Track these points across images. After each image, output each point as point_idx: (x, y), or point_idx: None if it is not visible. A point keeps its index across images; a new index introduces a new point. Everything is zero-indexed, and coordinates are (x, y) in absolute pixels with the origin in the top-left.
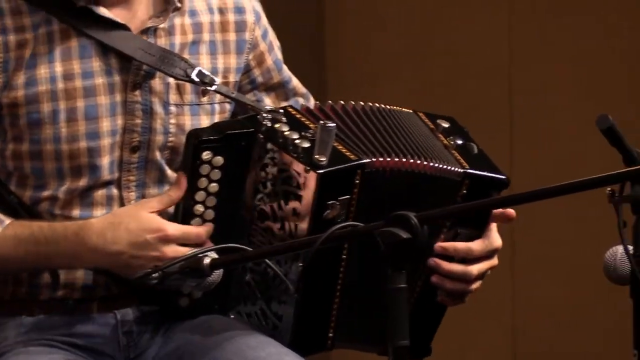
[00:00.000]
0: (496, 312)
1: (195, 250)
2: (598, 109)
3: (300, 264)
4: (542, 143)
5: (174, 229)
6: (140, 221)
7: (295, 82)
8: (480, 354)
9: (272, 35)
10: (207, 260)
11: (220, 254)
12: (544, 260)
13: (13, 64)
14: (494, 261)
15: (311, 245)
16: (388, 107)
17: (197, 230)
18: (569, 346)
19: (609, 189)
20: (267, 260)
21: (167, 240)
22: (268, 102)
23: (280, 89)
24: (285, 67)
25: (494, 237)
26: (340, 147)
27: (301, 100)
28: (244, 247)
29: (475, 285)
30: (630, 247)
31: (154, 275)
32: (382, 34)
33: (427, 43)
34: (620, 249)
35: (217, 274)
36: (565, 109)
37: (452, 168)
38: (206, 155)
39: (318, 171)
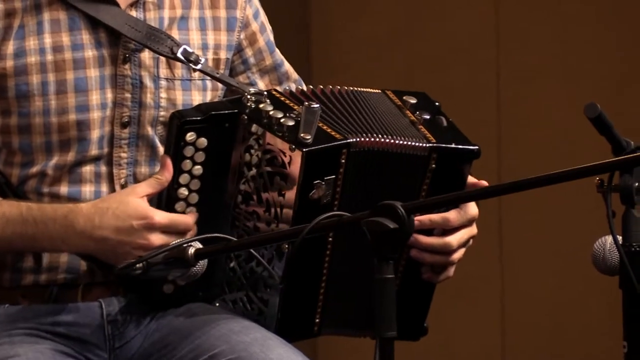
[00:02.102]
0: (485, 302)
1: (180, 240)
2: (586, 96)
3: (286, 247)
4: (530, 131)
5: (160, 216)
6: (127, 207)
7: (287, 66)
8: (470, 344)
9: (263, 17)
10: (191, 251)
11: (205, 243)
12: (532, 250)
13: (1, 33)
14: (473, 229)
15: (296, 236)
16: (357, 89)
17: (184, 218)
18: (557, 337)
19: (598, 178)
20: (252, 250)
21: (152, 227)
22: (262, 86)
23: (273, 73)
24: (277, 51)
25: (470, 206)
26: (324, 127)
27: (293, 86)
28: (228, 237)
29: (457, 255)
30: (620, 237)
31: (137, 265)
32: (369, 19)
33: (415, 29)
34: (609, 239)
35: (202, 264)
36: (553, 96)
37: (418, 143)
38: (190, 136)
39: (304, 149)
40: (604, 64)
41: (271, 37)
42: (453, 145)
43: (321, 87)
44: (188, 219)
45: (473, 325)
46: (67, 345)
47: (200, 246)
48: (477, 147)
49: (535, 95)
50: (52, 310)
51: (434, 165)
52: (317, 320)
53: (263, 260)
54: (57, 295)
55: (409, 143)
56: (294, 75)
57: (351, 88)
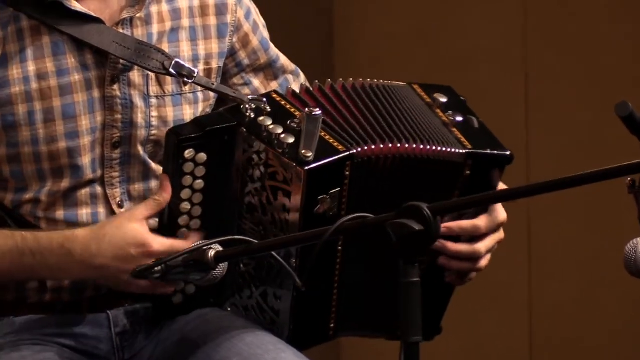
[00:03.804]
0: (513, 306)
1: (199, 242)
2: (616, 95)
3: (293, 260)
4: (559, 132)
5: (159, 244)
6: (125, 234)
7: (283, 59)
8: (497, 349)
9: (255, 15)
10: (211, 253)
11: (225, 246)
12: (561, 253)
13: None
14: (500, 234)
15: (319, 237)
16: (381, 82)
17: (184, 244)
18: (587, 342)
19: (629, 178)
20: (273, 253)
21: (151, 255)
22: (256, 83)
23: (268, 69)
24: (272, 46)
25: (499, 211)
26: (327, 137)
27: (290, 78)
28: (249, 239)
29: (484, 262)
30: None
31: (156, 269)
32: (393, 15)
33: (440, 26)
34: None
35: (222, 267)
36: (583, 96)
37: (455, 150)
38: (188, 153)
39: (305, 168)
40: (634, 63)
41: (265, 34)
42: (489, 151)
43: (330, 82)
44: (187, 243)
45: (501, 330)
46: (74, 357)
47: (221, 249)
48: (510, 152)
49: (564, 95)
50: (59, 321)
51: (468, 172)
52: (332, 325)
53: (283, 262)
54: (62, 309)
55: (445, 149)
56: (290, 67)
57: (376, 81)
